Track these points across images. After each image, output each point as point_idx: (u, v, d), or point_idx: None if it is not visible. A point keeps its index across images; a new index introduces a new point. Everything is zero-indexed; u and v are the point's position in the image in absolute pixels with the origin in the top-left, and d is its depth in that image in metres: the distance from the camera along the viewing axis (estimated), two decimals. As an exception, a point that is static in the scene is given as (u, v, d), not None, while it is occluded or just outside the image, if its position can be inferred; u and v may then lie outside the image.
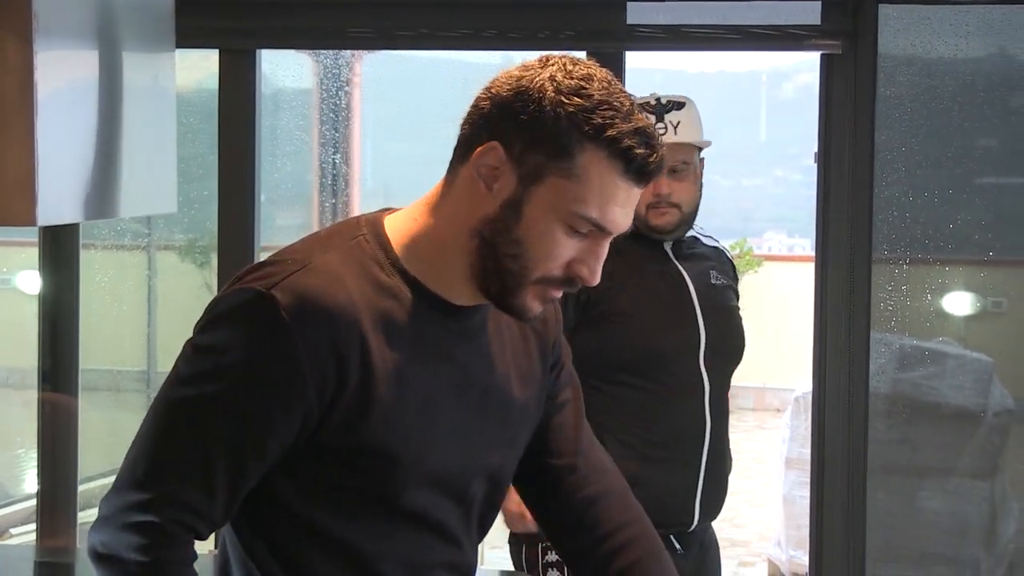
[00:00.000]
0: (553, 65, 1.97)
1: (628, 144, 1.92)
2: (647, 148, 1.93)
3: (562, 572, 3.64)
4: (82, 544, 3.71)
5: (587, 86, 1.94)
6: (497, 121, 1.96)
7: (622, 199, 1.96)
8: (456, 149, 2.01)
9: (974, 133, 4.40)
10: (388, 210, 2.12)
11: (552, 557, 3.65)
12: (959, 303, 4.50)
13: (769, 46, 4.39)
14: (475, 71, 5.50)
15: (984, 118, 4.38)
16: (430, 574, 2.13)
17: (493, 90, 1.98)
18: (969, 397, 4.52)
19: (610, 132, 1.92)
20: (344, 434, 1.98)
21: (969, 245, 4.42)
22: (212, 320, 1.99)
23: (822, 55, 4.31)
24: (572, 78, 1.94)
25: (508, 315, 2.05)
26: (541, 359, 2.25)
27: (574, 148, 1.93)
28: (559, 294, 2.03)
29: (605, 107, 1.93)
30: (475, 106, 2.00)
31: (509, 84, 1.97)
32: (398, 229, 2.05)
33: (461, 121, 2.02)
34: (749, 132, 22.47)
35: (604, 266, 2.03)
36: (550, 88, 1.94)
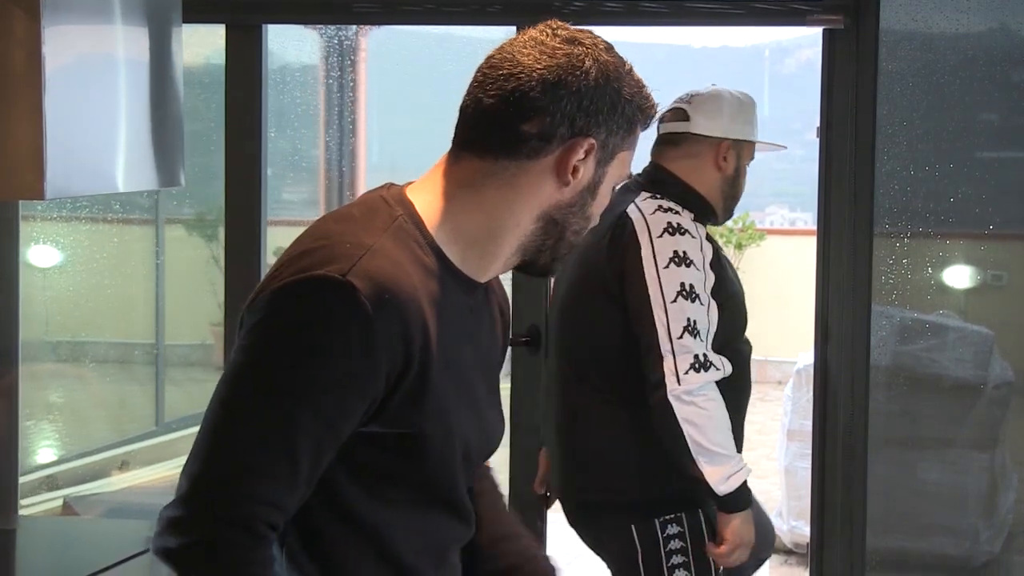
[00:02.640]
0: (593, 49, 2.11)
1: (650, 109, 2.16)
2: (653, 105, 2.17)
3: (684, 541, 3.66)
4: (23, 524, 3.74)
5: (624, 68, 2.13)
6: (583, 116, 2.08)
7: None
8: (509, 144, 2.08)
9: (975, 107, 4.42)
10: (404, 187, 2.16)
11: (673, 530, 3.66)
12: (959, 276, 4.52)
13: (772, 21, 4.42)
14: (481, 46, 5.53)
15: (985, 92, 4.40)
16: (447, 555, 2.21)
17: (560, 88, 2.07)
18: (969, 370, 4.55)
19: (646, 104, 2.15)
20: (399, 418, 2.03)
21: (969, 218, 4.44)
22: (285, 308, 1.97)
23: (824, 30, 4.33)
24: (614, 62, 2.12)
25: (535, 276, 2.20)
26: (504, 335, 2.34)
27: (635, 125, 2.14)
28: None
29: (642, 85, 2.15)
30: (537, 103, 2.07)
31: (574, 77, 2.08)
32: (431, 210, 2.10)
33: (498, 116, 2.08)
34: (752, 107, 22.49)
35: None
36: (613, 77, 2.10)
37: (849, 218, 4.33)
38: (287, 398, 1.95)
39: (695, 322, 3.52)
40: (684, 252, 3.54)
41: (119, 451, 6.00)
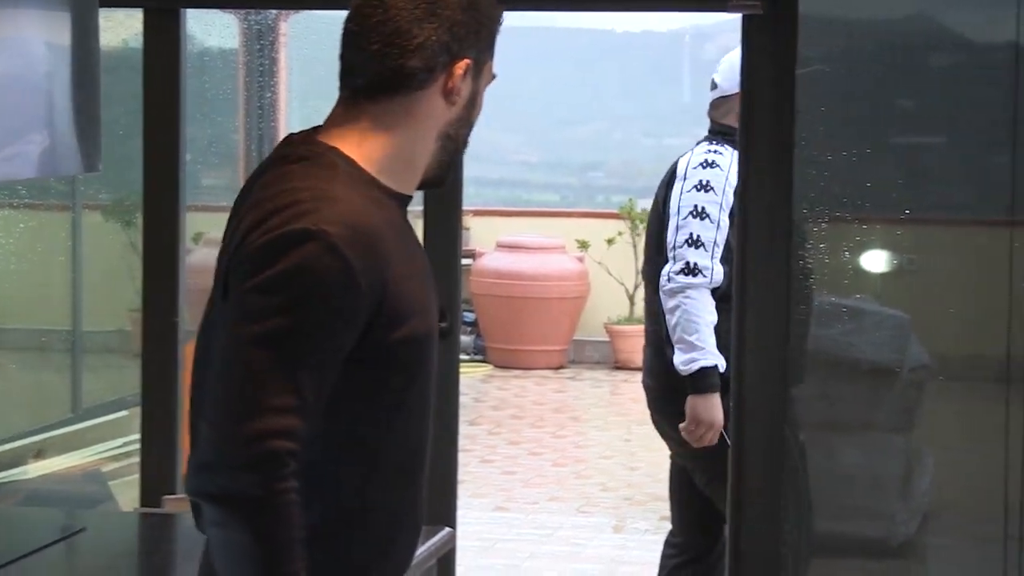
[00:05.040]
0: None
1: (501, 17, 2.50)
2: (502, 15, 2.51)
3: None
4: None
5: None
6: (456, 42, 2.41)
7: None
8: (398, 82, 2.41)
9: (893, 93, 4.46)
10: (317, 136, 2.45)
11: None
12: (876, 261, 4.56)
13: (693, 7, 4.44)
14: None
15: (903, 78, 4.43)
16: (423, 456, 2.50)
17: (425, 21, 2.39)
18: (886, 353, 4.59)
19: (500, 15, 2.49)
20: (390, 330, 2.34)
21: (886, 203, 4.48)
22: (270, 262, 2.27)
23: (744, 15, 4.35)
24: None
25: (432, 188, 2.56)
26: None
27: (495, 36, 2.49)
28: None
29: (493, 2, 2.49)
30: (417, 41, 2.39)
31: (441, 7, 2.40)
32: (357, 155, 2.41)
33: (383, 59, 2.42)
34: (673, 92, 22.53)
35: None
36: (475, 4, 2.44)
37: (767, 203, 4.35)
38: (285, 341, 2.24)
39: (698, 236, 4.50)
40: (707, 181, 4.58)
41: (35, 439, 5.95)
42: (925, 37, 4.43)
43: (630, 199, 12.81)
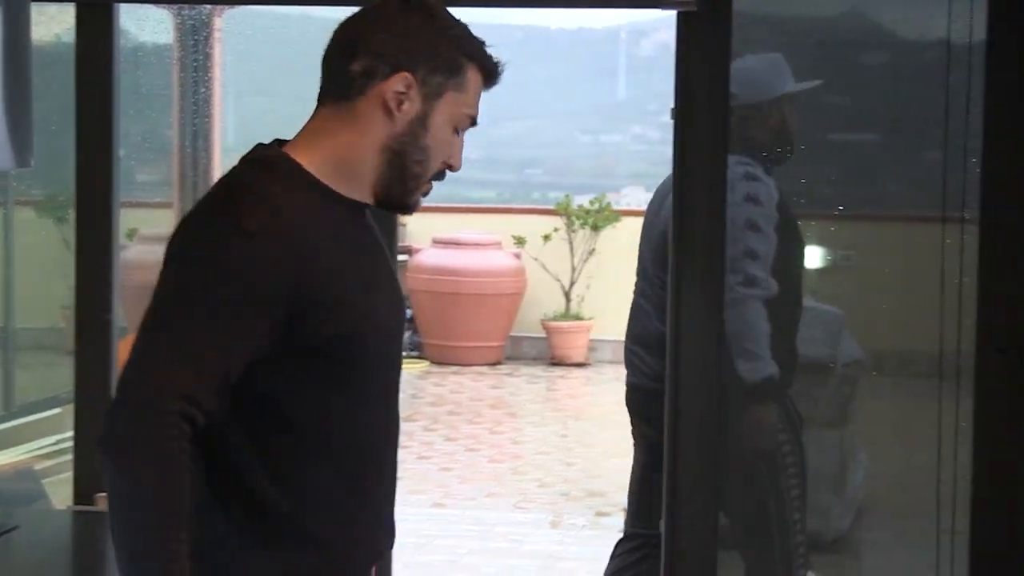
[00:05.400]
0: (417, 3, 2.53)
1: (487, 58, 2.55)
2: (494, 60, 2.56)
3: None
4: None
5: (451, 17, 2.54)
6: (400, 55, 2.49)
7: (479, 99, 2.57)
8: (342, 87, 2.52)
9: (826, 90, 4.49)
10: (281, 145, 2.56)
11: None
12: (811, 257, 4.59)
13: (628, 3, 4.44)
14: (332, 25, 5.49)
15: (836, 76, 4.46)
16: (386, 454, 2.62)
17: (384, 31, 2.51)
18: (820, 348, 4.61)
19: (479, 51, 2.54)
20: (321, 327, 2.43)
21: (820, 200, 4.51)
22: (192, 246, 2.42)
23: (679, 12, 4.36)
24: (429, 6, 2.53)
25: (398, 212, 2.62)
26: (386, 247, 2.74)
27: (463, 67, 2.52)
28: (432, 187, 2.59)
29: (469, 34, 2.54)
30: (361, 47, 2.50)
31: (397, 23, 2.51)
32: (305, 158, 2.51)
33: (334, 64, 2.54)
34: (608, 89, 22.57)
35: None
36: (438, 23, 2.51)
37: (703, 199, 4.37)
38: (192, 311, 2.36)
39: (754, 249, 4.42)
40: (755, 194, 4.42)
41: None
42: (858, 35, 4.46)
43: (566, 195, 12.83)
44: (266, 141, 2.59)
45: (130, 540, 2.34)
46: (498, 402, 11.34)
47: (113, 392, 2.43)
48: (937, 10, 4.14)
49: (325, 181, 2.50)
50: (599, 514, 8.01)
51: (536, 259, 12.57)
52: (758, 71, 4.40)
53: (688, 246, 4.34)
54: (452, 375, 12.12)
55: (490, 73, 2.56)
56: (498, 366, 12.57)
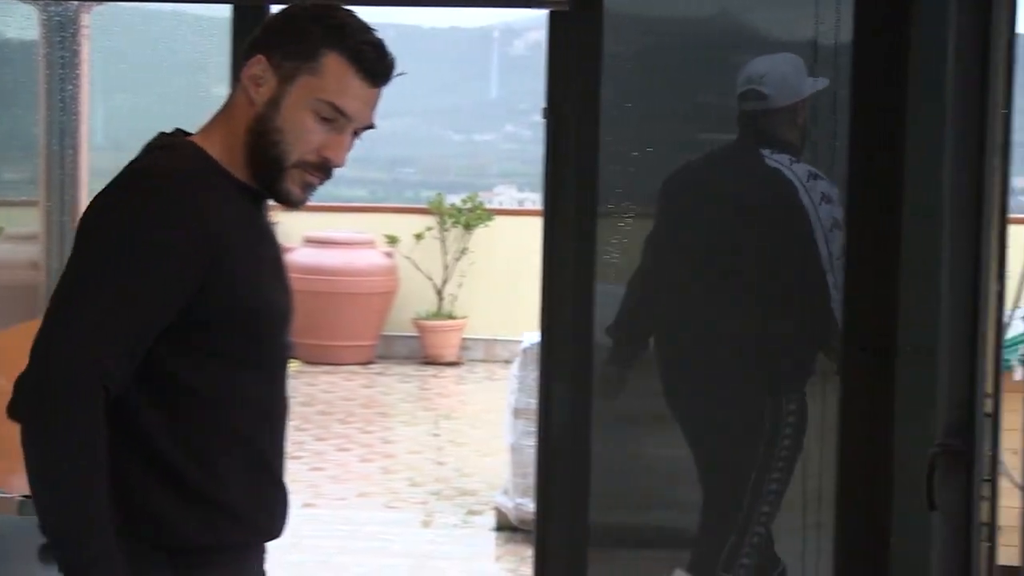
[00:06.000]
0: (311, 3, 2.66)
1: (360, 50, 2.58)
2: (377, 55, 2.61)
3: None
4: None
5: (332, 9, 2.62)
6: (260, 40, 2.62)
7: (357, 93, 2.60)
8: (234, 77, 2.68)
9: (697, 90, 4.52)
10: (175, 134, 2.68)
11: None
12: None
13: (500, 2, 4.44)
14: (203, 23, 5.45)
15: (707, 76, 4.50)
16: (277, 426, 2.72)
17: (265, 24, 2.65)
18: (690, 347, 4.64)
19: (350, 42, 2.58)
20: (224, 303, 2.53)
21: (690, 200, 4.54)
22: (101, 217, 2.52)
23: (550, 12, 4.37)
24: (321, 5, 2.64)
25: (278, 202, 2.65)
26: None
27: (319, 54, 2.58)
28: (316, 180, 2.64)
29: (346, 26, 2.60)
30: (250, 39, 2.64)
31: (275, 14, 2.66)
32: (204, 143, 2.63)
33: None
34: (481, 88, 22.58)
35: None
36: (303, 12, 2.62)
37: (574, 198, 4.38)
38: (105, 284, 2.46)
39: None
40: (829, 194, 4.38)
41: None
42: (728, 36, 4.50)
43: (439, 194, 12.82)
44: (135, 138, 2.71)
45: (56, 499, 2.42)
46: (370, 401, 11.31)
47: None
48: (804, 12, 4.19)
49: (221, 162, 2.61)
50: (470, 513, 8.01)
51: (408, 258, 12.55)
52: (789, 74, 4.42)
53: (559, 247, 4.36)
54: (324, 374, 12.06)
55: (364, 67, 2.60)
56: (370, 365, 12.53)
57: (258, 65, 2.60)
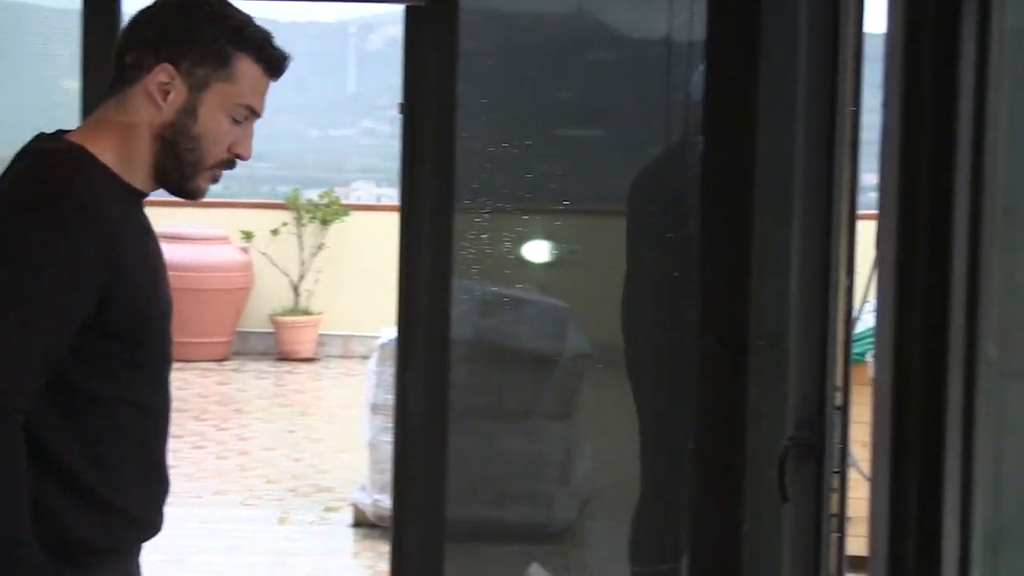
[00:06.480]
0: None
1: (264, 48, 2.64)
2: (276, 51, 2.66)
3: None
4: None
5: (227, 8, 2.63)
6: (162, 45, 2.59)
7: (263, 90, 2.68)
8: (119, 77, 2.62)
9: (554, 87, 4.54)
10: (66, 135, 2.65)
11: None
12: (538, 251, 4.64)
13: (354, -3, 4.42)
14: (50, 15, 5.37)
15: (563, 72, 4.52)
16: (166, 422, 2.83)
17: (149, 21, 2.62)
18: (547, 342, 4.67)
19: (256, 43, 2.62)
20: (119, 309, 2.54)
21: (547, 194, 4.56)
22: (10, 233, 2.49)
23: (406, 7, 4.37)
24: (216, 5, 2.62)
25: (182, 197, 2.69)
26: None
27: (231, 58, 2.61)
28: (222, 173, 2.69)
29: (246, 25, 2.62)
30: (134, 38, 2.62)
31: (163, 13, 2.63)
32: (92, 145, 2.60)
33: (116, 55, 2.64)
34: (338, 83, 22.48)
35: None
36: (203, 15, 2.60)
37: (431, 194, 4.39)
38: (14, 308, 2.45)
39: None
40: None
41: None
42: (584, 33, 4.53)
43: (295, 189, 12.75)
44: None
45: None
46: (225, 398, 11.22)
47: None
48: (658, 9, 4.23)
49: (111, 168, 2.61)
50: (327, 509, 7.97)
51: (264, 254, 12.46)
52: None
53: (415, 240, 4.36)
54: (177, 371, 11.80)
55: (270, 65, 2.66)
56: (225, 362, 12.42)
57: (164, 73, 2.59)
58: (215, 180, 2.72)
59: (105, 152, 2.61)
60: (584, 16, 4.56)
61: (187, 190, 2.68)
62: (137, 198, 2.68)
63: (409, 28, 4.38)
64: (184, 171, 2.64)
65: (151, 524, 2.77)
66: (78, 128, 2.70)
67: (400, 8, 4.38)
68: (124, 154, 2.62)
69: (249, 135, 2.70)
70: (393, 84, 4.50)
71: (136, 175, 2.64)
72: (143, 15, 2.65)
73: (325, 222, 12.49)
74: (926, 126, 2.12)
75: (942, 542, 2.12)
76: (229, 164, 2.70)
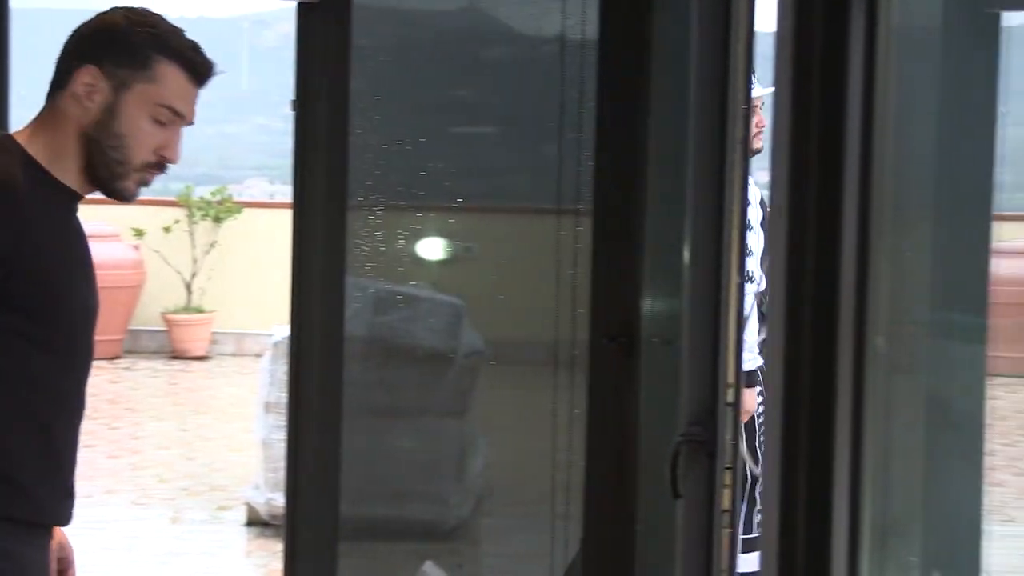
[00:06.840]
0: (121, 8, 2.82)
1: (186, 54, 2.78)
2: (200, 58, 2.80)
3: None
4: None
5: (151, 17, 2.79)
6: (88, 50, 2.75)
7: (187, 95, 2.80)
8: (52, 82, 2.78)
9: (448, 84, 4.54)
10: (6, 138, 2.82)
11: None
12: (432, 248, 4.64)
13: (246, -8, 4.39)
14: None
15: (457, 70, 4.52)
16: (77, 419, 2.87)
17: (80, 31, 2.79)
18: (441, 339, 4.67)
19: (177, 49, 2.78)
20: (28, 292, 2.66)
21: (442, 192, 4.56)
22: None
23: (299, 3, 4.35)
24: (138, 13, 2.79)
25: (112, 197, 2.82)
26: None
27: (152, 61, 2.75)
28: (152, 178, 2.81)
29: (168, 33, 2.79)
30: (65, 48, 2.78)
31: (93, 23, 2.79)
32: (27, 143, 2.76)
33: (56, 61, 2.79)
34: (231, 79, 22.41)
35: None
36: (125, 21, 2.77)
37: (324, 191, 4.37)
38: None
39: (749, 246, 4.34)
40: None
41: None
42: (477, 30, 4.53)
43: (187, 186, 12.67)
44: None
45: None
46: (117, 397, 11.12)
47: None
48: (552, 6, 4.24)
49: (45, 165, 2.75)
50: (220, 508, 7.93)
51: (157, 251, 12.37)
52: None
53: (309, 237, 4.34)
54: (69, 370, 11.82)
55: (193, 70, 2.79)
56: (116, 360, 12.32)
57: (89, 74, 2.74)
58: (146, 183, 2.82)
59: (38, 150, 2.76)
60: (477, 12, 4.56)
61: (115, 189, 2.80)
62: (70, 199, 2.81)
63: (301, 24, 4.36)
64: (112, 170, 2.77)
65: (48, 510, 2.84)
66: (23, 128, 2.83)
67: (293, 4, 4.36)
68: (56, 152, 2.76)
69: (176, 139, 2.81)
70: (287, 81, 4.48)
71: (69, 175, 2.78)
72: (76, 29, 2.80)
73: (218, 219, 12.42)
74: (815, 123, 2.15)
75: (832, 534, 2.15)
76: (159, 167, 2.81)
